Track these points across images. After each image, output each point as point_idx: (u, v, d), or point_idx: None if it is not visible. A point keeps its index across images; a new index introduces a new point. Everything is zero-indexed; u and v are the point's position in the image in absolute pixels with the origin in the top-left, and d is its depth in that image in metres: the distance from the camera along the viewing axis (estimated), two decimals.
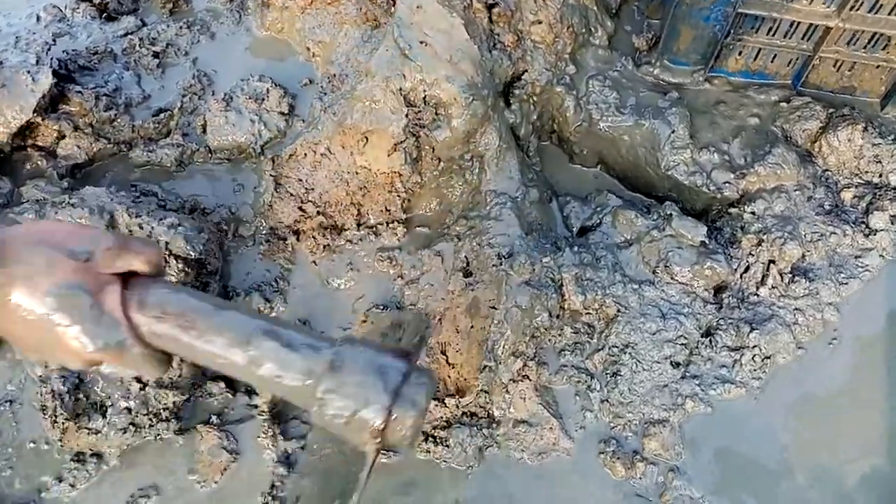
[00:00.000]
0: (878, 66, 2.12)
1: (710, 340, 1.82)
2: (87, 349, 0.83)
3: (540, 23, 2.10)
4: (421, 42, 1.87)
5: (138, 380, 1.66)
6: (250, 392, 1.76)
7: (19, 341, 0.87)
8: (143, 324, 0.87)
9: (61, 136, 2.08)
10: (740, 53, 2.17)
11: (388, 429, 0.86)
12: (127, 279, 0.88)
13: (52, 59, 2.21)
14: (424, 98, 1.88)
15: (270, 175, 2.04)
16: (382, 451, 1.04)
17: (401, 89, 1.87)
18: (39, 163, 2.05)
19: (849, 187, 2.04)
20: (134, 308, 0.87)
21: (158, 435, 1.68)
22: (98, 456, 1.66)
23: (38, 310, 0.81)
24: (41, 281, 0.81)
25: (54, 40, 2.32)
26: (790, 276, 1.90)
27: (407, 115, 1.87)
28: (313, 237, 1.99)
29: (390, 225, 2.01)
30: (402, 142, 1.89)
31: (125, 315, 0.86)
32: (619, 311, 1.83)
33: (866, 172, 2.05)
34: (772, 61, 2.18)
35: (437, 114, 1.89)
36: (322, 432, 0.93)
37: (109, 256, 0.85)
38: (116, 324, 0.85)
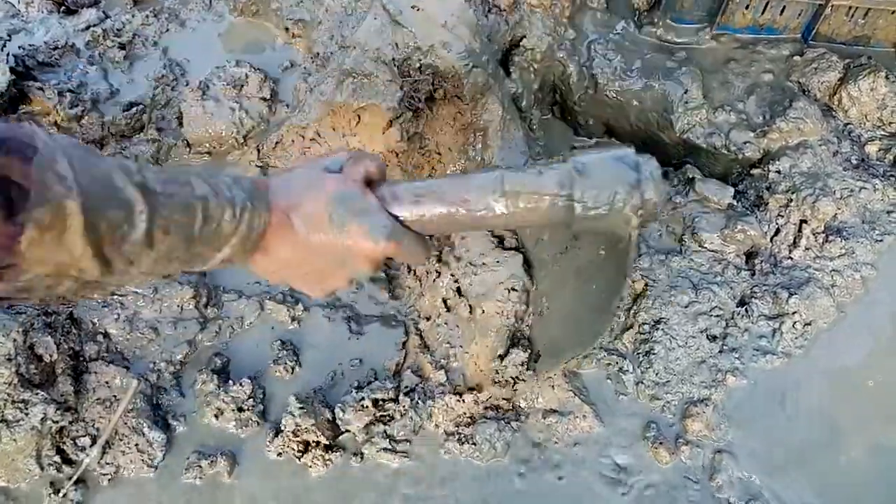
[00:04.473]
0: (893, 12, 2.00)
1: (747, 310, 1.68)
2: (378, 243, 0.88)
3: None
4: (412, 7, 1.72)
5: None
6: None
7: (302, 274, 0.91)
8: (405, 211, 0.94)
9: None
10: (747, 7, 2.04)
11: (643, 201, 0.93)
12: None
13: (8, 55, 2.02)
14: (420, 67, 1.73)
15: (256, 166, 1.89)
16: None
17: (394, 59, 1.72)
18: None
19: (873, 140, 1.92)
20: (388, 202, 0.93)
21: None
22: None
23: (326, 215, 0.86)
24: (317, 195, 0.87)
25: (9, 36, 2.14)
26: (824, 235, 1.77)
27: (402, 88, 1.71)
28: None
29: None
30: (398, 117, 1.73)
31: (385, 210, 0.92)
32: (646, 285, 1.68)
33: (890, 124, 1.93)
34: (780, 14, 2.06)
35: (433, 84, 1.74)
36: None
37: (353, 166, 0.92)
38: (386, 216, 0.91)
